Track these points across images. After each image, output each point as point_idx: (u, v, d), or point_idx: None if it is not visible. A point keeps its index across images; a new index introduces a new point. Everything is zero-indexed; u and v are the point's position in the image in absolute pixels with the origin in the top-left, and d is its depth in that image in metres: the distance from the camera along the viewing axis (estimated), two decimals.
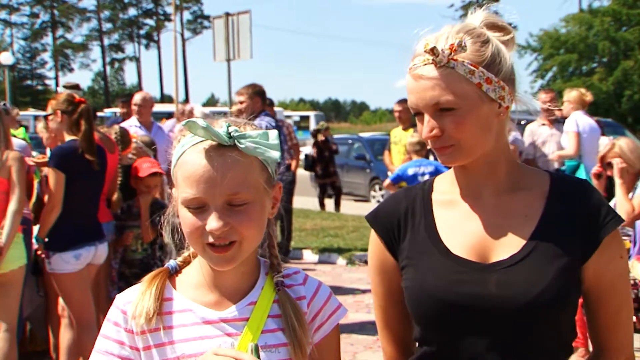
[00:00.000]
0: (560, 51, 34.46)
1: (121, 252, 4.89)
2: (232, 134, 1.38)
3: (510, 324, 1.49)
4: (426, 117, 1.52)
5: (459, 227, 1.58)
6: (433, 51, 1.48)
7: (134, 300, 1.46)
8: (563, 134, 7.46)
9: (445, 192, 1.64)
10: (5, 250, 4.05)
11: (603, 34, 33.04)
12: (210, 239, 1.38)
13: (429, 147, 1.52)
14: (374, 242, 1.69)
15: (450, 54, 1.48)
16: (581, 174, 5.11)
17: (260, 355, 1.37)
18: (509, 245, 1.53)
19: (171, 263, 1.53)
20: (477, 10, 1.59)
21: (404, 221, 1.64)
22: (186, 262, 1.54)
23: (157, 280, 1.48)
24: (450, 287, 1.51)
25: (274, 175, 1.47)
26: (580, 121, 7.31)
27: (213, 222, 1.36)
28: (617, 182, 4.67)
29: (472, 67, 1.49)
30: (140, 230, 4.76)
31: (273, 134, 1.43)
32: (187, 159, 1.40)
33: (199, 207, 1.38)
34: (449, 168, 1.66)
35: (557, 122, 7.88)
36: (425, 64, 1.50)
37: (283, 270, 1.53)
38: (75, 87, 4.61)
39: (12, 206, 4.09)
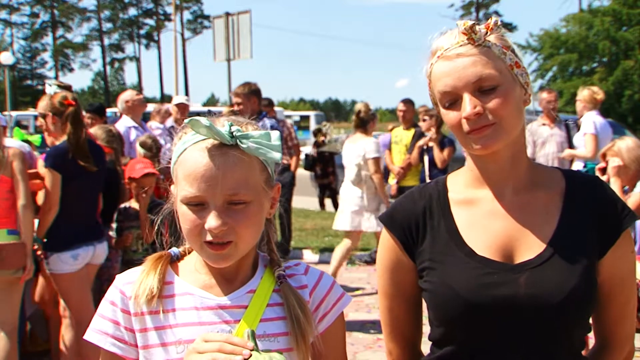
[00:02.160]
0: (561, 51, 34.47)
1: (120, 253, 4.89)
2: (234, 134, 1.38)
3: (539, 323, 1.49)
4: (466, 96, 1.49)
5: (480, 226, 1.57)
6: (472, 29, 1.49)
7: (136, 280, 1.46)
8: (579, 135, 7.44)
9: (462, 191, 1.63)
10: (29, 246, 4.10)
11: (603, 33, 33.04)
12: (209, 237, 1.39)
13: (466, 129, 1.52)
14: (388, 242, 1.67)
15: (487, 33, 1.51)
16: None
17: (256, 342, 1.34)
18: (534, 244, 1.54)
19: (174, 250, 1.54)
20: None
21: (422, 222, 1.62)
22: (187, 252, 1.55)
23: (161, 263, 1.49)
24: (480, 289, 1.50)
25: (273, 175, 1.47)
26: (597, 122, 7.33)
27: (212, 221, 1.37)
28: (612, 180, 4.73)
29: (504, 50, 1.51)
30: (140, 230, 4.76)
31: (275, 134, 1.43)
32: (189, 156, 1.40)
33: (198, 205, 1.39)
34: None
35: (558, 122, 7.88)
36: (461, 45, 1.51)
37: (283, 264, 1.53)
38: (67, 88, 4.62)
39: (21, 201, 4.12)
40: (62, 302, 4.56)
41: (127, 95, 7.53)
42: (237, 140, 1.38)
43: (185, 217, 1.40)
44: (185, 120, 1.42)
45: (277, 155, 1.41)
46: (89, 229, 4.50)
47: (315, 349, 1.49)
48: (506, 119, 1.49)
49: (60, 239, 4.33)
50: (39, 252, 4.35)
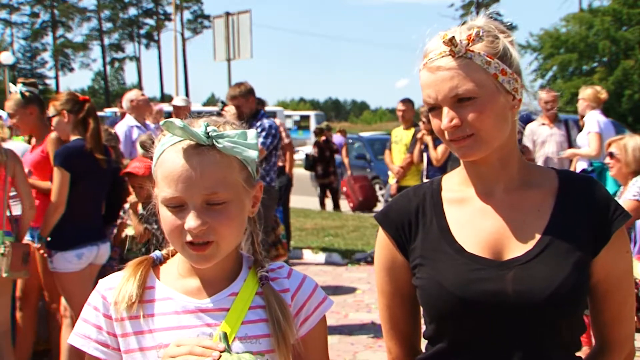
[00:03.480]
0: (561, 51, 34.46)
1: (119, 252, 4.89)
2: (210, 134, 1.39)
3: (527, 320, 1.50)
4: (445, 109, 1.52)
5: (471, 224, 1.59)
6: (452, 41, 1.50)
7: (116, 286, 1.47)
8: (582, 134, 7.43)
9: (455, 190, 1.65)
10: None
11: (603, 33, 33.04)
12: (189, 238, 1.39)
13: (447, 138, 1.56)
14: (383, 241, 1.69)
15: (468, 44, 1.51)
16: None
17: (229, 343, 1.36)
18: (523, 242, 1.55)
19: (156, 253, 1.55)
20: (478, 16, 1.61)
21: (415, 220, 1.65)
22: (170, 255, 1.55)
23: (142, 268, 1.50)
24: (468, 285, 1.52)
25: (254, 174, 1.48)
26: (601, 122, 7.34)
27: (191, 221, 1.38)
28: (610, 173, 4.82)
29: (488, 58, 1.51)
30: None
31: (251, 133, 1.44)
32: (166, 158, 1.41)
33: (177, 206, 1.40)
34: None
35: (557, 122, 7.87)
36: (443, 56, 1.52)
37: (267, 265, 1.54)
38: (33, 84, 4.68)
39: (29, 201, 4.19)
40: (63, 302, 4.56)
41: (132, 94, 7.56)
42: (213, 140, 1.39)
43: (166, 218, 1.41)
44: (161, 123, 1.42)
45: (253, 154, 1.42)
46: (94, 228, 4.52)
47: (296, 351, 1.50)
48: (484, 130, 1.52)
49: (65, 238, 4.34)
50: (42, 251, 4.36)
